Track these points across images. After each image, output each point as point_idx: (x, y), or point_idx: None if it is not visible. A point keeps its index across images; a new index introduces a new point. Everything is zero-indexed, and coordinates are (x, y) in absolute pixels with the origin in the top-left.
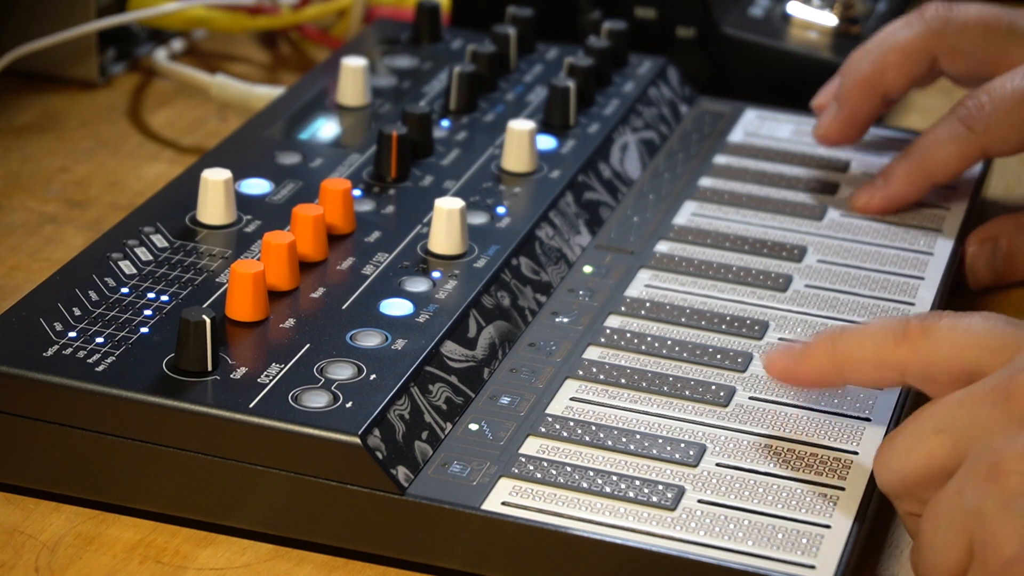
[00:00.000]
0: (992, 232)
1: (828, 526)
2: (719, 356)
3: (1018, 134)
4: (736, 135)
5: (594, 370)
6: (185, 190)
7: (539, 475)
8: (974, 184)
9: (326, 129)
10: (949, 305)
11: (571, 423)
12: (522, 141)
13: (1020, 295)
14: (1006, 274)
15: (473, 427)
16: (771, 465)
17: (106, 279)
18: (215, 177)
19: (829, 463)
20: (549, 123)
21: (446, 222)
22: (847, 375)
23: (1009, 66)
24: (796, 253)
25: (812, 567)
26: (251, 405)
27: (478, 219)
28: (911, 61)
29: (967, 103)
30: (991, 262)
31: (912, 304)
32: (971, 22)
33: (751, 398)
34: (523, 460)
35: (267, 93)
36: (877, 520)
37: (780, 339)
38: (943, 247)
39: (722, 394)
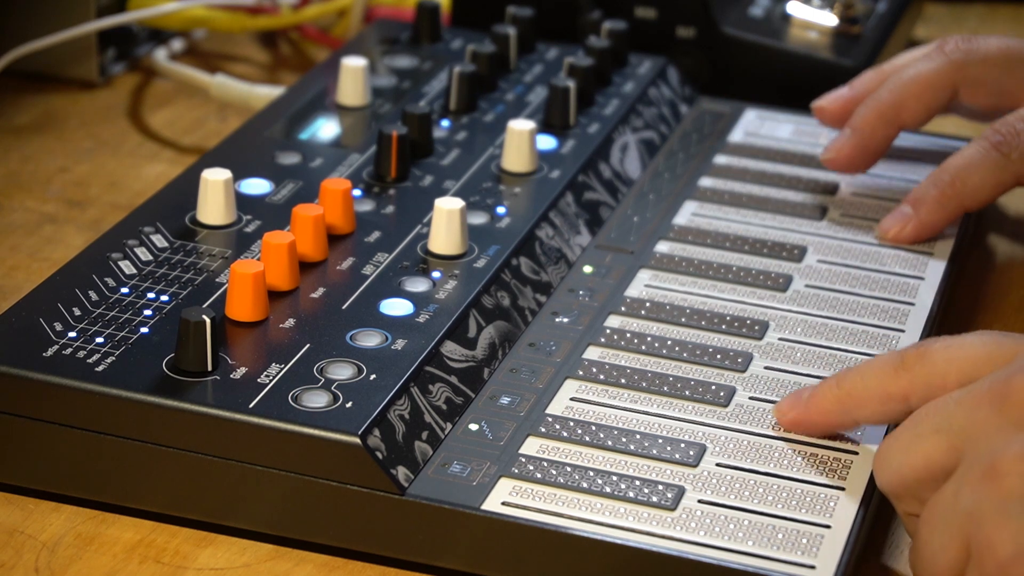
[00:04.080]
0: None
1: (828, 526)
2: (719, 356)
3: None
4: (736, 135)
5: (594, 370)
6: (185, 190)
7: (539, 475)
8: None
9: (326, 129)
10: (946, 316)
11: (571, 423)
12: (522, 141)
13: (1013, 307)
14: None
15: (473, 427)
16: (771, 465)
17: (106, 279)
18: (215, 177)
19: (829, 463)
20: (549, 123)
21: (446, 222)
22: (856, 415)
23: None
24: (796, 253)
25: (812, 567)
26: (251, 405)
27: (478, 219)
28: (932, 93)
29: (1000, 129)
30: None
31: (912, 304)
32: (992, 53)
33: (751, 398)
34: (523, 460)
35: (267, 93)
36: (877, 520)
37: (780, 339)
38: (943, 247)
39: (722, 394)
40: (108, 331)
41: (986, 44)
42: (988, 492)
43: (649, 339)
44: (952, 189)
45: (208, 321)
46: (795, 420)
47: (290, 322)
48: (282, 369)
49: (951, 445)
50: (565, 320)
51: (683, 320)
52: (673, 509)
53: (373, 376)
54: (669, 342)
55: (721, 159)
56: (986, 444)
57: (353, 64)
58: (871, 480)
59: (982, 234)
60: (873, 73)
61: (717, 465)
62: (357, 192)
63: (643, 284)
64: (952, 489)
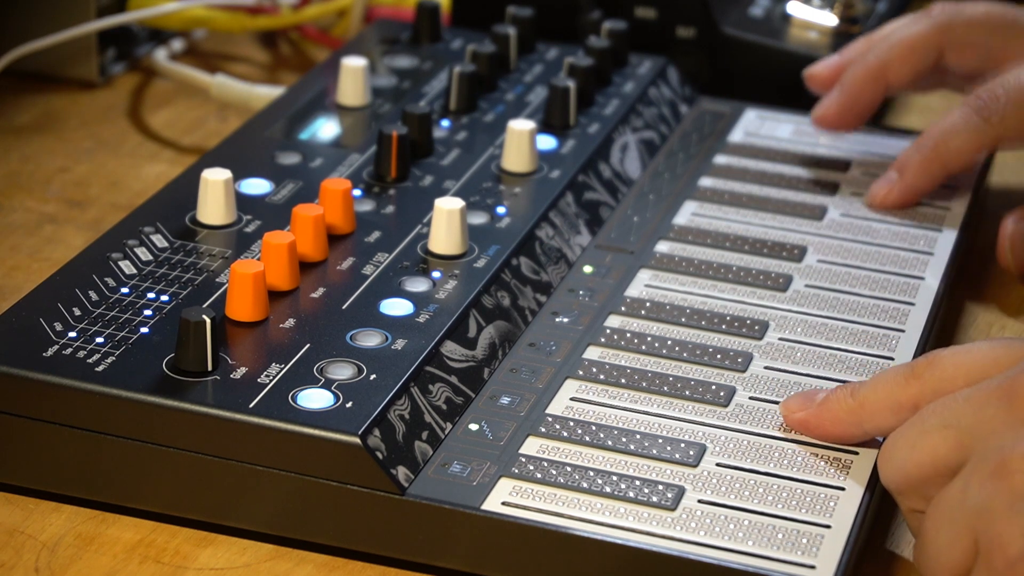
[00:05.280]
0: None
1: (828, 526)
2: (719, 356)
3: None
4: (736, 135)
5: (594, 370)
6: (185, 190)
7: (539, 475)
8: (974, 182)
9: (326, 129)
10: (947, 316)
11: (571, 423)
12: (522, 141)
13: (1013, 306)
14: None
15: (473, 427)
16: (771, 465)
17: (106, 279)
18: (215, 177)
19: (829, 463)
20: (549, 123)
21: (446, 222)
22: (867, 426)
23: (1014, 60)
24: (796, 253)
25: (812, 567)
26: (251, 405)
27: (478, 219)
28: (917, 54)
29: (981, 95)
30: None
31: (912, 304)
32: (977, 17)
33: (751, 398)
34: (523, 460)
35: (267, 93)
36: (877, 520)
37: (780, 339)
38: (943, 247)
39: (722, 394)
40: (108, 331)
41: (971, 8)
42: (997, 489)
43: (649, 339)
44: (935, 152)
45: (208, 321)
46: (803, 420)
47: (290, 322)
48: (282, 369)
49: (958, 441)
50: (565, 320)
51: (683, 320)
52: (673, 509)
53: (373, 376)
54: (669, 342)
55: (721, 159)
56: (994, 441)
57: (353, 64)
58: (871, 480)
59: (982, 234)
60: (862, 40)
61: (717, 465)
62: (357, 192)
63: (643, 284)
64: (960, 485)
